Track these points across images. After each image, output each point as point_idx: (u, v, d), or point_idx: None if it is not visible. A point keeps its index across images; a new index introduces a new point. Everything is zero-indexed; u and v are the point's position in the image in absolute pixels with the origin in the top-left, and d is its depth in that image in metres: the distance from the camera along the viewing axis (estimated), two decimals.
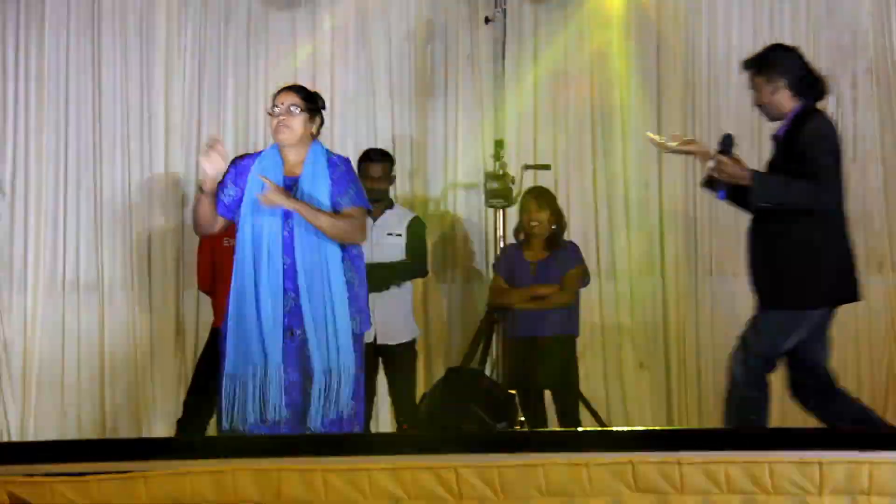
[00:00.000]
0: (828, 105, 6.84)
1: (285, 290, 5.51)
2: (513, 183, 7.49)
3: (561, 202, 7.67)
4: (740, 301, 7.97)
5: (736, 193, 5.81)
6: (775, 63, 5.86)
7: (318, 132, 5.74)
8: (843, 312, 6.02)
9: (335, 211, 5.58)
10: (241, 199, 5.64)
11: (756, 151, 7.18)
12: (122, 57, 8.08)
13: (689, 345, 8.04)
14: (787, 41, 6.72)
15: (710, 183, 5.88)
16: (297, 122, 5.63)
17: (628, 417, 7.98)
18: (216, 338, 7.03)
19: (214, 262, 7.07)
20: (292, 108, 5.63)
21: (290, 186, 5.60)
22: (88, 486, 3.53)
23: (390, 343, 7.30)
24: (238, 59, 8.16)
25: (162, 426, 7.82)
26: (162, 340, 7.98)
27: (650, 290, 8.14)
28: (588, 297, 7.80)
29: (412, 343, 7.42)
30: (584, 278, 7.36)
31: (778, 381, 5.85)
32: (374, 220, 7.40)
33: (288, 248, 5.53)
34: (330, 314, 5.51)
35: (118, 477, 3.55)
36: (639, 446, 3.69)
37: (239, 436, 5.18)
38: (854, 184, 7.16)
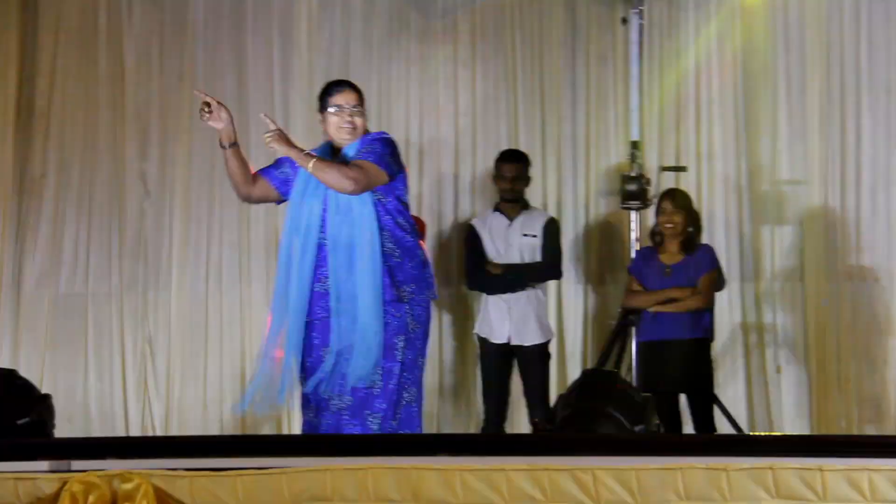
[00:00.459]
0: None
1: (319, 267, 5.46)
2: (648, 185, 7.44)
3: (698, 204, 7.59)
4: (880, 306, 7.87)
5: None
6: None
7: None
8: None
9: None
10: (291, 181, 5.61)
11: None
12: (265, 56, 8.20)
13: (829, 349, 7.90)
14: None
15: None
16: (361, 122, 5.58)
17: (766, 423, 7.87)
18: None
19: None
20: (357, 108, 5.61)
21: None
22: (230, 480, 3.58)
23: (524, 344, 7.30)
24: (377, 59, 8.22)
25: (300, 424, 7.90)
26: None
27: (790, 293, 8.02)
28: (728, 300, 7.72)
29: (546, 345, 7.41)
30: (720, 281, 7.28)
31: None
32: (510, 221, 7.40)
33: (324, 224, 5.46)
34: (354, 286, 5.40)
35: (258, 472, 3.60)
36: (778, 452, 3.64)
37: (374, 435, 5.21)
38: None
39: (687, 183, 7.85)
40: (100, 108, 8.16)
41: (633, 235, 7.52)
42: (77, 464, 3.71)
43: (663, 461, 3.59)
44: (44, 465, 3.71)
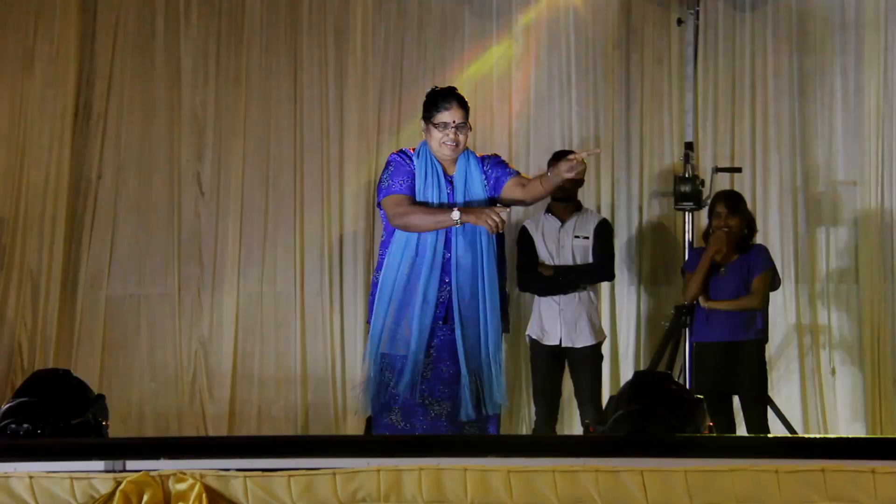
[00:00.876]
0: None
1: (441, 283, 5.57)
2: (703, 185, 7.41)
3: (752, 205, 7.55)
4: None
5: None
6: None
7: None
8: None
9: (504, 175, 5.69)
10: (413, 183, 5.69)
11: None
12: (320, 59, 8.24)
13: (883, 351, 7.83)
14: None
15: None
16: (464, 139, 5.67)
17: (820, 424, 7.82)
18: None
19: None
20: (462, 126, 5.65)
21: (448, 183, 5.66)
22: (280, 481, 3.60)
23: (576, 346, 7.29)
24: (432, 62, 8.24)
25: (353, 424, 7.94)
26: (356, 339, 8.10)
27: (844, 295, 7.96)
28: (782, 301, 7.67)
29: (598, 346, 7.39)
30: (774, 281, 7.24)
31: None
32: (563, 222, 7.40)
33: (449, 243, 5.59)
34: (482, 311, 5.57)
35: (310, 472, 3.61)
36: (831, 454, 3.62)
37: (422, 436, 5.22)
38: None
39: (741, 184, 7.81)
40: (156, 110, 8.23)
41: (687, 237, 7.49)
42: (131, 464, 3.75)
43: (714, 463, 3.58)
44: (99, 464, 3.75)
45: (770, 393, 7.21)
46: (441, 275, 5.59)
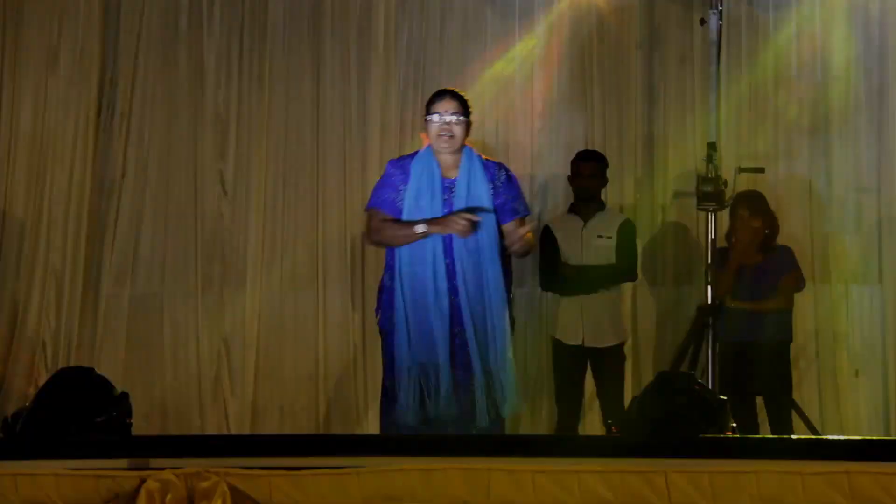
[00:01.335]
0: None
1: (447, 290, 5.61)
2: (725, 186, 7.39)
3: (775, 205, 7.53)
4: None
5: None
6: None
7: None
8: None
9: (509, 215, 5.73)
10: (399, 201, 5.75)
11: None
12: (341, 59, 8.25)
13: None
14: None
15: None
16: (459, 129, 5.73)
17: (843, 426, 7.79)
18: None
19: None
20: (454, 116, 5.68)
21: (448, 188, 5.67)
22: (304, 480, 3.60)
23: (598, 346, 7.29)
24: (453, 61, 8.24)
25: (374, 423, 7.94)
26: (376, 337, 8.09)
27: (867, 296, 7.93)
28: (803, 303, 7.65)
29: (620, 346, 7.39)
30: (799, 283, 7.22)
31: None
32: (585, 221, 7.39)
33: (448, 249, 5.63)
34: (488, 314, 5.59)
35: (332, 472, 3.62)
36: (855, 455, 3.61)
37: (446, 435, 5.23)
38: None
39: (765, 184, 7.79)
40: (179, 109, 8.24)
41: (710, 237, 7.47)
42: (155, 461, 3.76)
43: (738, 464, 3.58)
44: (122, 462, 3.76)
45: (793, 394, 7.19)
46: (447, 281, 5.61)
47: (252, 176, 8.21)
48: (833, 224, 8.01)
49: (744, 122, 8.10)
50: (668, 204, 8.11)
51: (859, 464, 3.53)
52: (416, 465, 3.60)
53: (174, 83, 8.25)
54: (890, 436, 7.67)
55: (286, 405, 8.06)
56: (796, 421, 7.09)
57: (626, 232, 7.43)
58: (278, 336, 8.13)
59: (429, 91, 8.06)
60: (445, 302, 5.59)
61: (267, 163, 8.22)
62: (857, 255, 7.97)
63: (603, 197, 7.54)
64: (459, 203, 5.67)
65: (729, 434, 4.23)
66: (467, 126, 5.77)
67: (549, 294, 7.60)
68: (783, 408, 7.03)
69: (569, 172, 7.54)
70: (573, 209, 7.49)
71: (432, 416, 5.56)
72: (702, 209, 7.43)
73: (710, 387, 6.68)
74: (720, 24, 7.46)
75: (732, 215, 7.21)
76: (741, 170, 7.57)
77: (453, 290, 5.60)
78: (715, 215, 7.38)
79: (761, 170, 7.73)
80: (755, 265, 7.12)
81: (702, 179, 7.38)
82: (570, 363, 7.36)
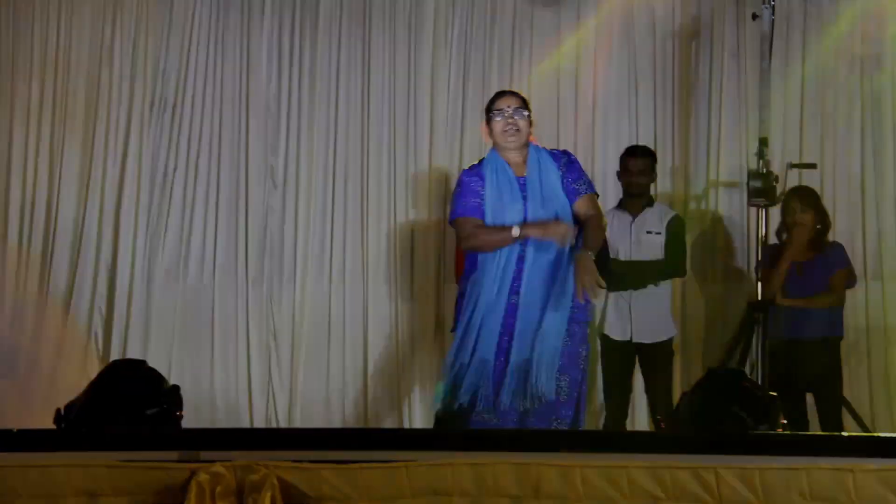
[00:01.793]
0: None
1: (515, 279, 5.61)
2: (776, 182, 7.34)
3: (826, 202, 7.49)
4: None
5: None
6: None
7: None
8: None
9: (572, 196, 5.69)
10: (482, 203, 5.74)
11: None
12: (391, 53, 8.26)
13: None
14: None
15: None
16: (524, 123, 5.73)
17: (894, 423, 7.73)
18: None
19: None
20: (519, 111, 5.69)
21: (522, 185, 5.66)
22: (353, 473, 3.61)
23: (647, 342, 7.27)
24: (503, 55, 8.24)
25: (420, 417, 7.96)
26: (422, 333, 8.12)
27: None
28: (853, 300, 7.59)
29: (669, 342, 7.37)
30: (851, 280, 7.17)
31: None
32: (634, 217, 7.37)
33: (523, 260, 5.63)
34: (544, 298, 5.57)
35: (381, 466, 3.62)
36: None
37: (497, 430, 5.23)
38: None
39: (815, 181, 7.74)
40: (229, 103, 8.28)
41: (761, 233, 7.42)
42: (205, 454, 3.78)
43: (788, 461, 3.55)
44: (173, 454, 3.78)
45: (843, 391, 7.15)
46: (510, 283, 5.61)
47: (301, 170, 8.25)
48: (884, 221, 7.95)
49: (795, 117, 8.06)
50: (718, 199, 8.08)
51: None
52: (465, 460, 3.60)
53: (225, 77, 8.29)
54: None
55: (334, 398, 8.08)
56: (847, 418, 7.04)
57: (675, 228, 7.41)
58: (325, 330, 8.15)
59: (477, 87, 8.15)
60: (503, 302, 5.60)
61: (316, 157, 8.25)
62: None
63: (652, 192, 7.51)
64: (535, 198, 5.66)
65: (780, 431, 4.21)
66: (530, 121, 5.77)
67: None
68: (834, 405, 6.98)
69: (618, 168, 7.52)
70: (622, 205, 7.47)
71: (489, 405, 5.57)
72: (752, 205, 7.38)
73: (759, 383, 6.65)
74: (772, 19, 7.41)
75: (785, 210, 7.17)
76: (792, 166, 7.53)
77: (514, 291, 5.61)
78: (765, 211, 7.34)
79: (813, 166, 7.68)
80: (807, 262, 7.08)
81: (752, 175, 7.34)
82: (618, 359, 7.34)
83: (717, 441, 3.79)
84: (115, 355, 7.85)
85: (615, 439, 4.29)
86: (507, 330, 5.59)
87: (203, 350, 8.15)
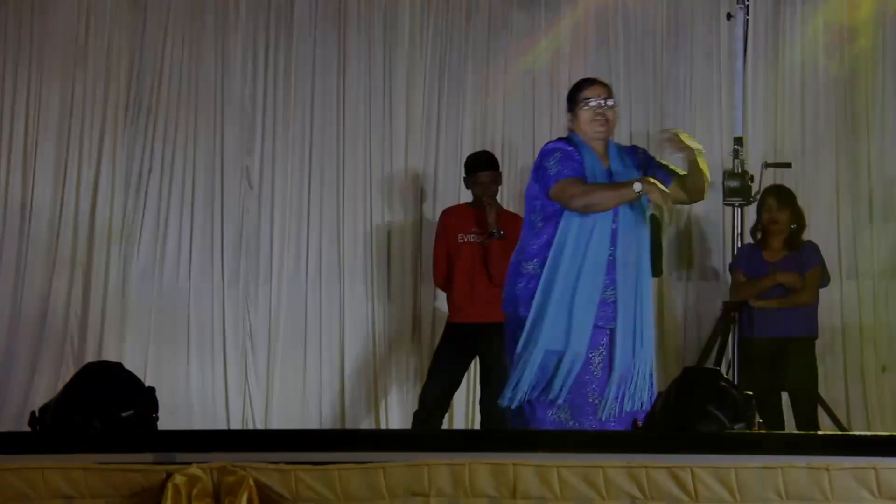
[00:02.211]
0: None
1: (605, 283, 5.49)
2: (752, 181, 7.37)
3: (802, 200, 7.51)
4: None
5: None
6: None
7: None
8: None
9: (665, 179, 5.59)
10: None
11: None
12: (366, 53, 8.26)
13: None
14: None
15: None
16: (612, 114, 5.58)
17: (870, 422, 7.76)
18: (452, 332, 7.14)
19: (450, 257, 7.16)
20: (608, 101, 5.58)
21: (608, 176, 5.56)
22: (330, 474, 3.60)
23: None
24: (478, 56, 8.24)
25: (398, 417, 7.95)
26: (399, 334, 8.12)
27: (893, 291, 7.90)
28: (829, 298, 7.62)
29: None
30: (824, 278, 7.19)
31: None
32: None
33: (614, 240, 5.49)
34: (639, 307, 5.51)
35: (358, 467, 3.62)
36: (882, 452, 3.59)
37: (472, 430, 5.22)
38: None
39: (791, 179, 7.76)
40: (205, 104, 8.26)
41: (736, 232, 7.44)
42: (181, 456, 3.77)
43: (764, 460, 3.56)
44: (149, 457, 3.77)
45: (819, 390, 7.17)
46: (605, 275, 5.52)
47: (277, 171, 8.24)
48: (860, 219, 7.98)
49: (770, 117, 8.08)
50: None
51: (887, 460, 3.51)
52: (442, 461, 3.60)
53: (200, 78, 8.27)
54: None
55: (311, 399, 8.07)
56: (823, 417, 7.06)
57: (652, 227, 7.37)
58: (302, 331, 8.14)
59: (454, 86, 8.16)
60: (599, 292, 5.51)
61: (292, 157, 8.24)
62: (884, 250, 7.94)
63: None
64: None
65: (756, 430, 4.22)
66: (616, 112, 5.66)
67: None
68: (809, 403, 7.00)
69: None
70: None
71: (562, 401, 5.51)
72: (728, 204, 7.42)
73: (735, 382, 6.67)
74: (747, 19, 7.44)
75: (760, 209, 7.19)
76: (767, 165, 7.56)
77: (612, 283, 5.51)
78: (741, 210, 7.37)
79: (788, 165, 7.71)
80: (781, 260, 7.10)
81: (728, 174, 7.37)
82: None
83: (694, 440, 3.80)
84: (90, 357, 7.81)
85: (592, 439, 4.29)
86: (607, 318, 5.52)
87: (179, 352, 8.13)
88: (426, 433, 4.94)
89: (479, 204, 7.10)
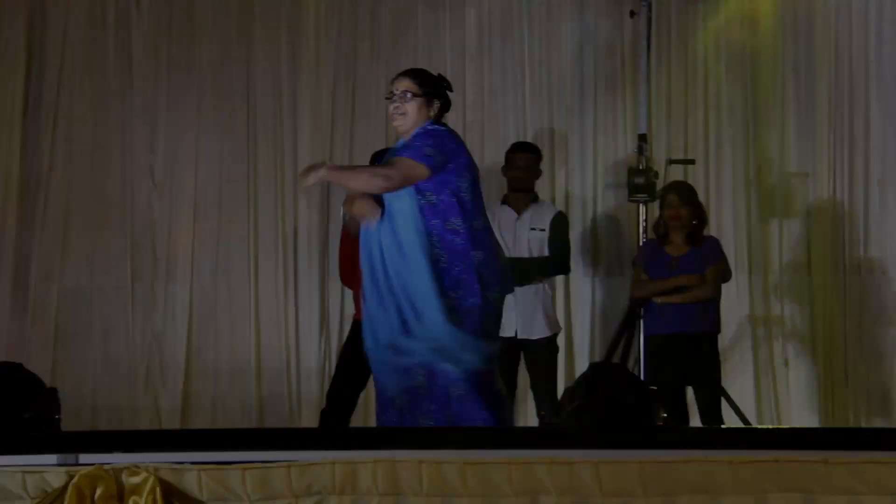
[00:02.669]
0: None
1: (380, 274, 5.49)
2: (656, 178, 7.43)
3: (706, 196, 7.59)
4: (888, 298, 7.87)
5: None
6: None
7: (441, 116, 5.62)
8: None
9: None
10: None
11: None
12: (272, 50, 8.21)
13: (836, 343, 7.89)
14: None
15: None
16: (412, 107, 5.53)
17: (775, 416, 7.87)
18: (358, 329, 7.12)
19: (354, 255, 7.14)
20: (406, 94, 5.56)
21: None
22: (236, 473, 3.59)
23: (531, 338, 7.30)
24: (385, 52, 8.23)
25: (307, 416, 7.92)
26: (308, 331, 8.09)
27: (797, 286, 8.01)
28: (735, 293, 7.71)
29: (553, 338, 7.41)
30: (726, 273, 7.27)
31: None
32: (518, 214, 7.40)
33: (380, 234, 5.49)
34: (411, 294, 5.42)
35: (265, 465, 3.60)
36: (785, 445, 3.64)
37: (373, 428, 5.21)
38: None
39: (695, 176, 7.84)
40: (107, 102, 8.17)
41: (641, 228, 7.51)
42: (84, 457, 3.73)
43: (668, 454, 3.60)
44: (52, 458, 3.73)
45: (723, 384, 7.25)
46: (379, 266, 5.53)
47: (182, 168, 8.17)
48: (763, 215, 8.08)
49: (674, 113, 8.16)
50: (599, 196, 8.15)
51: (789, 453, 3.56)
52: (347, 459, 3.59)
53: (102, 75, 8.18)
54: (820, 424, 7.75)
55: (219, 399, 8.02)
56: (729, 412, 7.14)
57: (559, 224, 7.45)
58: (211, 330, 8.09)
59: (361, 84, 8.15)
60: (375, 283, 5.58)
61: (197, 155, 8.17)
62: (787, 246, 8.05)
63: (536, 189, 7.55)
64: None
65: (659, 425, 4.26)
66: (425, 103, 5.52)
67: None
68: (712, 398, 7.07)
69: (502, 164, 7.55)
70: (506, 201, 7.50)
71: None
72: (633, 201, 7.47)
73: (641, 378, 6.72)
74: (650, 16, 7.51)
75: (661, 205, 7.26)
76: (672, 161, 7.63)
77: (384, 273, 5.55)
78: (646, 207, 7.43)
79: (692, 161, 7.79)
80: (682, 256, 7.16)
81: (633, 171, 7.43)
82: (503, 355, 7.36)
83: (599, 435, 3.83)
84: None
85: (499, 435, 4.31)
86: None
87: (84, 352, 8.03)
88: (326, 431, 4.93)
89: None
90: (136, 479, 3.55)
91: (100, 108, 8.16)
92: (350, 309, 7.60)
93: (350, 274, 7.15)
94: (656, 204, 7.40)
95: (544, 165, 7.71)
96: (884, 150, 7.97)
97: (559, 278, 7.74)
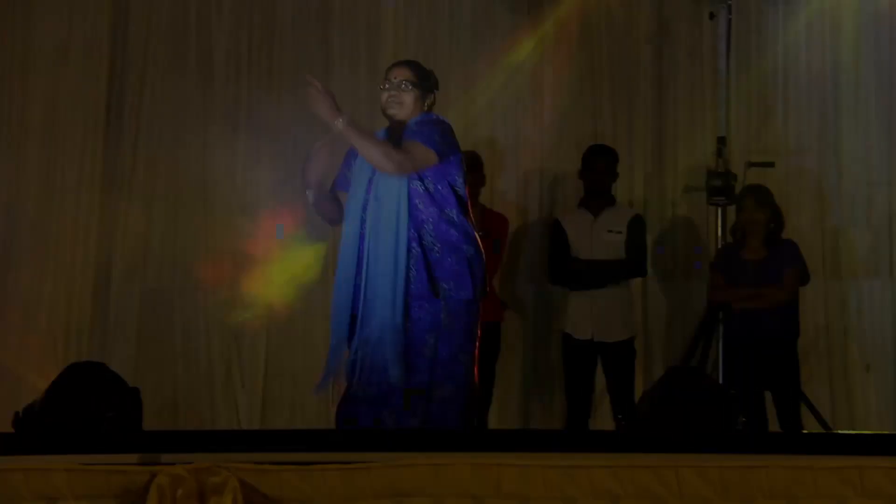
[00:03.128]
0: None
1: (359, 258, 5.43)
2: (735, 181, 7.38)
3: (784, 200, 7.52)
4: None
5: None
6: None
7: (430, 110, 5.63)
8: None
9: None
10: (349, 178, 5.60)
11: None
12: (351, 53, 8.23)
13: None
14: None
15: None
16: (408, 97, 5.56)
17: (854, 421, 7.78)
18: None
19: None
20: (404, 84, 5.57)
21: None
22: (313, 475, 3.61)
23: (608, 340, 7.29)
24: (464, 55, 8.23)
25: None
26: None
27: (877, 291, 7.92)
28: (812, 298, 7.64)
29: (630, 341, 7.39)
30: (804, 277, 7.21)
31: None
32: (595, 216, 7.39)
33: (365, 213, 5.44)
34: (391, 281, 5.35)
35: (343, 467, 3.62)
36: (866, 451, 3.60)
37: (456, 430, 5.20)
38: None
39: (774, 179, 7.78)
40: (188, 104, 8.23)
41: (719, 232, 7.46)
42: (166, 457, 3.76)
43: (748, 459, 3.57)
44: (133, 457, 3.76)
45: (802, 389, 7.18)
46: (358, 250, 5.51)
47: (261, 170, 8.20)
48: (843, 218, 8.00)
49: (753, 116, 8.10)
50: (678, 199, 8.11)
51: (871, 458, 3.52)
52: (426, 461, 3.60)
53: (183, 78, 8.25)
54: None
55: (297, 400, 8.06)
56: (808, 417, 7.08)
57: (636, 227, 7.43)
58: (289, 331, 8.12)
59: (440, 86, 8.14)
60: (354, 266, 5.53)
61: (276, 157, 8.22)
62: (867, 250, 7.96)
63: (613, 192, 7.53)
64: None
65: (739, 429, 4.24)
66: (420, 95, 5.59)
67: (561, 289, 7.59)
68: (792, 403, 7.02)
69: (579, 167, 7.54)
70: (583, 204, 7.49)
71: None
72: (712, 204, 7.43)
73: (720, 381, 6.68)
74: (730, 18, 7.46)
75: (739, 209, 7.21)
76: (751, 164, 7.57)
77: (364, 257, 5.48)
78: (725, 210, 7.38)
79: (771, 164, 7.72)
80: (760, 260, 7.11)
81: (711, 174, 7.39)
82: (580, 358, 7.36)
83: (678, 439, 3.81)
84: (74, 358, 7.72)
85: (577, 438, 4.30)
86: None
87: (164, 352, 8.07)
88: (409, 432, 4.93)
89: None
90: (216, 480, 3.58)
91: (181, 110, 8.23)
92: None
93: None
94: (735, 207, 7.34)
95: (622, 168, 7.69)
96: None
97: (636, 281, 7.71)
